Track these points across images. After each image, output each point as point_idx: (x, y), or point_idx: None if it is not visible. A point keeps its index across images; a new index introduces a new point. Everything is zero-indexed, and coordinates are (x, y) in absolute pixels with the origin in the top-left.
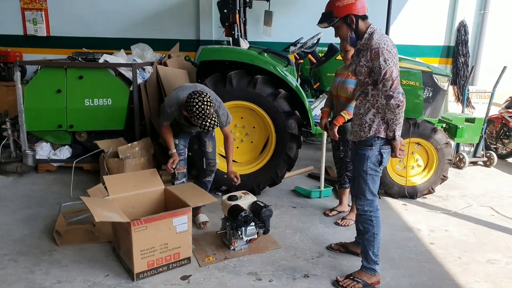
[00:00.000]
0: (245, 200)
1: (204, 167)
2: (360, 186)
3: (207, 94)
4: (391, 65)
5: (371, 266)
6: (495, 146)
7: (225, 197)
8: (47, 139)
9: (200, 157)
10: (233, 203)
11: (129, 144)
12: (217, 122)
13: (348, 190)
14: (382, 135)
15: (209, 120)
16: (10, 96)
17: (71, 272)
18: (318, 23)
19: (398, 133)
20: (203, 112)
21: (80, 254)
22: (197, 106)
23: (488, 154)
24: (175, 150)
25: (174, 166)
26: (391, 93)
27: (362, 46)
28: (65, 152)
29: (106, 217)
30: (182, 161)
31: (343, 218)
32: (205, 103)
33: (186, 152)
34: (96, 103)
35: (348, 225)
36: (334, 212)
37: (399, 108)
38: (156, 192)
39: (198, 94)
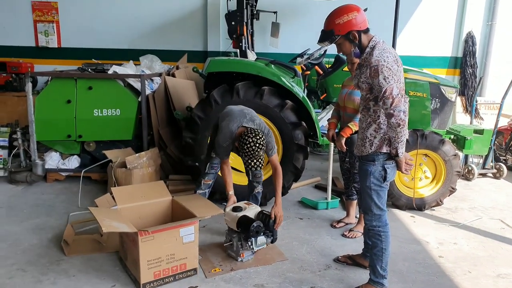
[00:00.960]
0: (251, 210)
1: (250, 179)
2: (366, 201)
3: (262, 136)
4: (391, 82)
5: (379, 280)
6: (505, 157)
7: (228, 209)
8: (56, 149)
9: (246, 171)
10: (240, 214)
11: (137, 154)
12: (262, 164)
13: (355, 202)
14: (385, 150)
15: (254, 160)
16: (20, 106)
17: (78, 282)
18: (319, 41)
19: (401, 150)
20: (252, 152)
21: (87, 264)
22: (248, 146)
23: (498, 166)
24: (232, 192)
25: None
26: (391, 111)
27: (363, 61)
28: (73, 162)
29: (114, 227)
30: (212, 174)
31: (350, 230)
32: (257, 145)
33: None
34: (105, 113)
35: (355, 237)
36: (341, 224)
37: (400, 127)
38: (164, 203)
39: (254, 134)
